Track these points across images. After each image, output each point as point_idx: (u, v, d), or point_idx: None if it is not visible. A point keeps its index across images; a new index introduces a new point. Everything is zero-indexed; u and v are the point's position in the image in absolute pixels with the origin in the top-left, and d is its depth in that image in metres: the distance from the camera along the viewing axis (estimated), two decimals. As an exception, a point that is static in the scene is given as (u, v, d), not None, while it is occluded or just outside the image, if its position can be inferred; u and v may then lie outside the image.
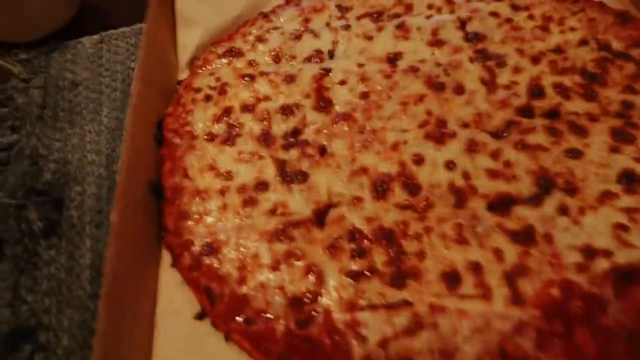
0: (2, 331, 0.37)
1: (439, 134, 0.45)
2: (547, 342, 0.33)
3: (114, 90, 0.53)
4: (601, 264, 0.36)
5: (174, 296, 0.39)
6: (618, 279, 0.35)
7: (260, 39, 0.56)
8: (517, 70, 0.49)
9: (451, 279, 0.36)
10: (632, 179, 0.40)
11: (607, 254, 0.36)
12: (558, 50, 0.51)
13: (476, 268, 0.37)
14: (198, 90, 0.51)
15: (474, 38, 0.53)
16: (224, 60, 0.54)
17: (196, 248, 0.39)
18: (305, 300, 0.36)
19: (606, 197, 0.39)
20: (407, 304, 0.35)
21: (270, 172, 0.44)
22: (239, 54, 0.54)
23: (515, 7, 0.55)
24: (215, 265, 0.38)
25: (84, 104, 0.52)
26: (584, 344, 0.33)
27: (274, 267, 0.38)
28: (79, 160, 0.47)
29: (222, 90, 0.51)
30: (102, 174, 0.46)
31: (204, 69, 0.54)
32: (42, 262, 0.41)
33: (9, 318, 0.37)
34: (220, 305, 0.37)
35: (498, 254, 0.37)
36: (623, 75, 0.48)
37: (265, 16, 0.59)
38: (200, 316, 0.38)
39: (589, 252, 0.36)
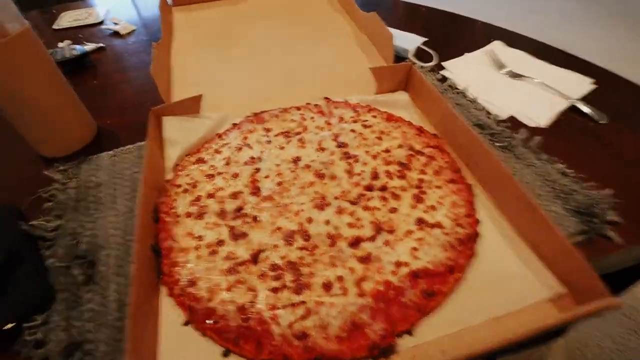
0: (61, 345, 0.41)
1: (321, 204, 0.51)
2: (375, 315, 0.40)
3: (125, 187, 0.57)
4: (403, 270, 0.44)
5: (170, 313, 0.42)
6: (411, 277, 0.44)
7: (217, 151, 0.60)
8: (364, 163, 0.57)
9: (327, 286, 0.43)
10: (422, 222, 0.49)
11: (406, 264, 0.44)
12: (387, 151, 0.59)
13: (340, 279, 0.43)
14: (179, 186, 0.55)
15: (341, 145, 0.60)
16: (195, 166, 0.58)
17: (182, 283, 0.44)
18: (247, 306, 0.41)
19: (408, 233, 0.48)
20: (303, 302, 0.41)
21: (225, 234, 0.48)
22: (203, 161, 0.59)
23: (364, 126, 0.64)
24: (194, 292, 0.43)
25: (106, 198, 0.55)
26: (394, 313, 0.41)
27: (229, 290, 0.42)
28: (105, 234, 0.51)
29: (194, 185, 0.54)
30: (120, 242, 0.50)
31: (182, 172, 0.57)
32: (84, 300, 0.44)
33: (64, 337, 0.41)
34: (197, 315, 0.41)
35: (352, 270, 0.44)
36: (420, 163, 0.57)
37: (220, 136, 0.64)
38: (186, 323, 0.42)
39: (398, 264, 0.44)
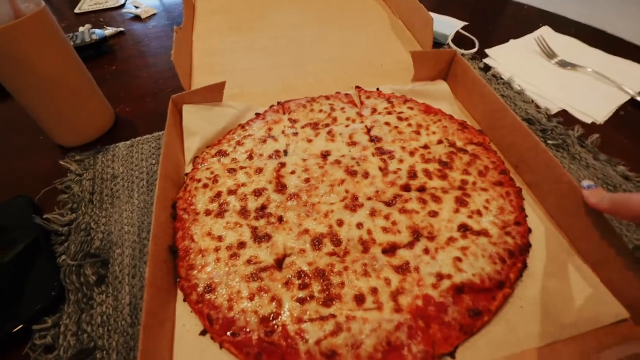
0: (71, 353, 0.38)
1: (353, 205, 0.47)
2: (414, 334, 0.37)
3: (141, 180, 0.54)
4: (445, 283, 0.40)
5: (186, 320, 0.40)
6: (454, 292, 0.39)
7: (239, 143, 0.57)
8: (400, 161, 0.53)
9: (359, 298, 0.39)
10: (466, 228, 0.45)
11: (449, 276, 0.40)
12: (425, 147, 0.55)
13: (374, 291, 0.40)
14: (199, 180, 0.51)
15: (374, 139, 0.56)
16: (215, 159, 0.55)
17: (200, 289, 0.41)
18: (270, 318, 0.38)
19: (450, 241, 0.44)
20: (332, 316, 0.38)
21: (247, 235, 0.45)
22: (225, 153, 0.55)
23: (400, 118, 0.59)
24: (213, 299, 0.40)
25: (121, 191, 0.53)
26: (435, 333, 0.37)
27: (250, 298, 0.40)
28: (119, 231, 0.48)
29: (215, 180, 0.51)
30: (135, 240, 0.47)
31: (201, 165, 0.54)
32: (96, 303, 0.42)
33: (75, 343, 0.39)
34: (216, 325, 0.38)
35: (387, 281, 0.41)
36: (463, 162, 0.52)
37: (242, 127, 0.60)
38: (203, 333, 0.39)
39: (439, 276, 0.41)
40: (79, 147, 0.62)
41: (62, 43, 0.56)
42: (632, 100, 0.67)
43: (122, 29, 0.96)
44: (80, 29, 0.90)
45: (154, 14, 1.04)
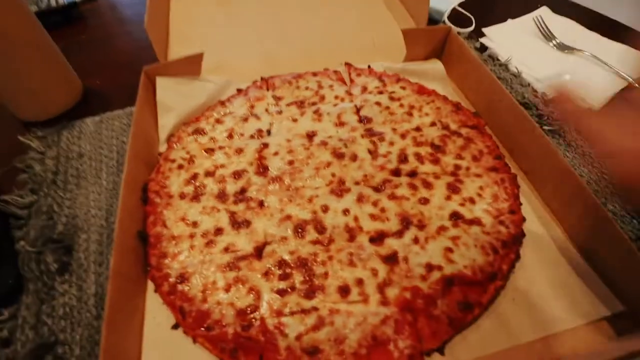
0: (29, 347, 0.35)
1: (339, 190, 0.45)
2: (401, 328, 0.35)
3: (111, 160, 0.51)
4: (435, 275, 0.38)
5: (156, 313, 0.38)
6: (445, 284, 0.37)
7: (218, 121, 0.53)
8: (391, 143, 0.50)
9: (344, 290, 0.37)
10: (457, 217, 0.43)
11: (439, 267, 0.38)
12: (417, 129, 0.52)
13: (360, 282, 0.38)
14: (173, 160, 0.48)
15: (364, 120, 0.53)
16: (192, 137, 0.51)
17: (172, 279, 0.38)
18: (248, 311, 0.36)
19: (441, 230, 0.41)
20: (314, 309, 0.36)
21: (224, 220, 0.42)
22: (202, 132, 0.52)
23: (391, 98, 0.56)
24: (186, 290, 0.37)
25: (88, 171, 0.49)
26: (422, 327, 0.35)
27: (227, 289, 0.37)
28: (85, 214, 0.45)
29: (191, 160, 0.48)
30: (102, 225, 0.44)
31: (177, 144, 0.50)
32: (58, 293, 0.39)
33: (34, 337, 0.36)
34: (189, 318, 0.36)
35: (374, 272, 0.38)
36: (456, 146, 0.49)
37: (222, 103, 0.56)
38: (175, 326, 0.37)
39: (429, 267, 0.38)
40: (41, 122, 0.57)
41: (19, 6, 0.50)
42: (629, 87, 0.64)
43: (95, -7, 0.87)
44: (47, -8, 0.82)
45: (130, -21, 0.95)
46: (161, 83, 0.55)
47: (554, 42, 0.73)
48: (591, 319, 0.37)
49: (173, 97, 0.55)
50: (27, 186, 0.48)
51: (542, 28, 0.75)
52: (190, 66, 0.57)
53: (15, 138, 0.54)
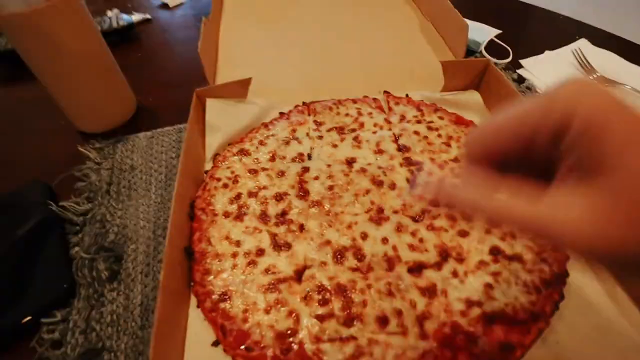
0: (79, 351, 0.37)
1: (378, 218, 0.45)
2: None
3: (160, 174, 0.52)
4: (475, 311, 0.37)
5: (198, 329, 0.38)
6: (485, 321, 0.36)
7: (261, 143, 0.54)
8: (429, 173, 0.50)
9: (382, 320, 0.37)
10: (498, 252, 0.42)
11: (479, 304, 0.37)
12: (456, 160, 0.51)
13: (399, 314, 0.37)
14: (219, 179, 0.49)
15: (402, 149, 0.53)
16: (237, 157, 0.52)
17: (215, 296, 0.38)
18: (287, 334, 0.36)
19: (481, 264, 0.41)
20: (353, 338, 0.36)
21: (266, 242, 0.43)
22: (247, 153, 0.52)
23: (430, 128, 0.56)
24: (227, 308, 0.38)
25: (139, 183, 0.51)
26: None
27: (267, 311, 0.37)
28: (134, 225, 0.47)
29: (235, 180, 0.49)
30: (150, 236, 0.45)
31: (222, 163, 0.51)
32: (107, 301, 0.40)
33: (83, 342, 0.37)
34: (229, 337, 0.36)
35: (413, 303, 0.38)
36: None
37: (266, 126, 0.57)
38: (215, 344, 0.37)
39: (469, 303, 0.38)
40: (99, 134, 0.60)
41: (90, 27, 0.54)
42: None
43: (149, 16, 0.93)
44: (109, 13, 0.88)
45: (181, 3, 1.01)
46: (210, 104, 0.57)
47: (594, 75, 0.72)
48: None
49: (220, 118, 0.56)
50: (83, 194, 0.51)
51: (582, 61, 0.74)
52: (238, 89, 0.59)
53: (73, 147, 0.57)
